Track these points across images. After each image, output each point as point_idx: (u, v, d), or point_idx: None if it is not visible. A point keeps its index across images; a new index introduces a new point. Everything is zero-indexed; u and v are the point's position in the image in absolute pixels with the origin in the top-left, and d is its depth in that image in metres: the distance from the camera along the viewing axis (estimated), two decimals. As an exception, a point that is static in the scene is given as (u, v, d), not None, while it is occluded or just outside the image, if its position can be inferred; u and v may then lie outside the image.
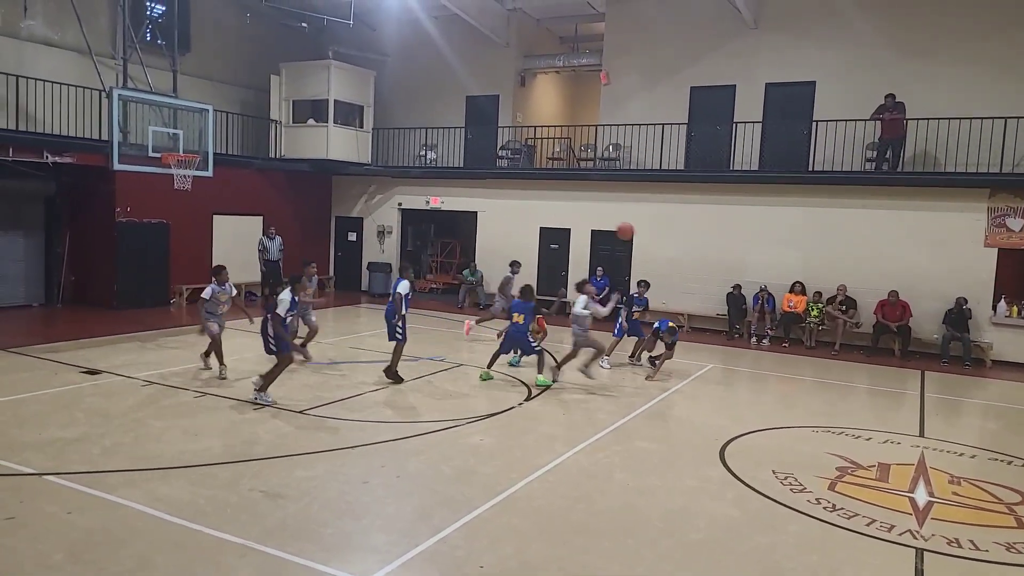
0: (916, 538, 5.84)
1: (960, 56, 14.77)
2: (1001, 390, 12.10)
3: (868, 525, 6.05)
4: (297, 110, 19.52)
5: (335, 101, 19.00)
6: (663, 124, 17.01)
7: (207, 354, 10.16)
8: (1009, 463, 7.94)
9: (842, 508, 6.37)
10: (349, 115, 19.60)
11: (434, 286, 21.28)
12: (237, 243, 18.07)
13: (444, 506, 5.95)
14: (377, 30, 20.19)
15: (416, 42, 19.98)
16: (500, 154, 19.64)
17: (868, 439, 8.59)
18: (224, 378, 9.80)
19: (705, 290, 16.43)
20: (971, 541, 5.80)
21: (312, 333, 11.45)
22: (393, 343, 10.11)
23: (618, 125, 17.79)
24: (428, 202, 20.20)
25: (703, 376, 11.88)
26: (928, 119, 14.48)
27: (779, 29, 16.55)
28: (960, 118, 14.10)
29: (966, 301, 14.09)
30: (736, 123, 16.81)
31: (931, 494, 6.86)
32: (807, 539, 5.81)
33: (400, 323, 9.99)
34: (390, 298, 10.20)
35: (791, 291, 15.47)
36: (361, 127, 19.96)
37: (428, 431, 7.92)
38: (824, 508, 6.36)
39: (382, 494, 6.22)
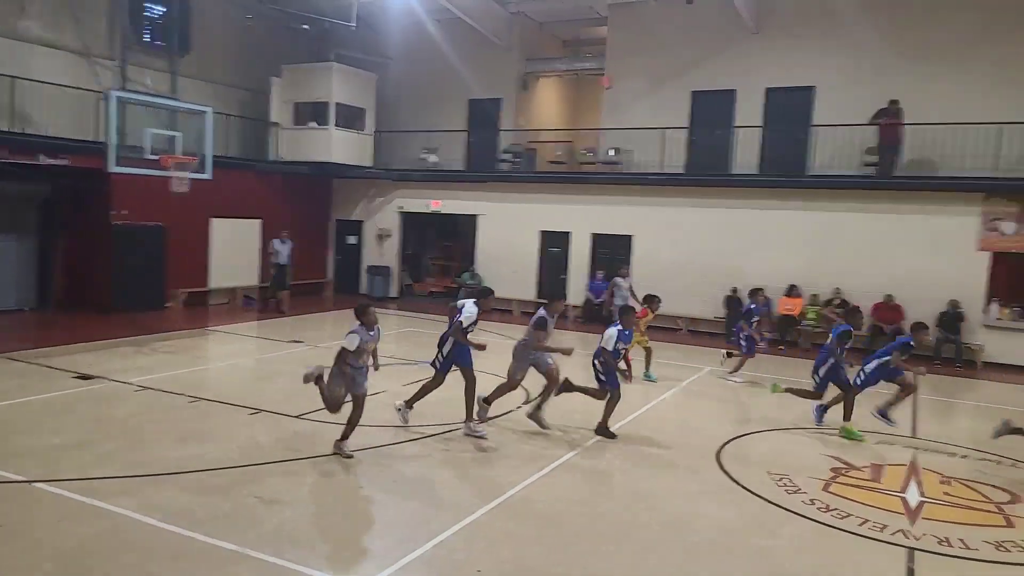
0: (908, 538, 5.94)
1: (956, 63, 14.91)
2: (992, 391, 12.22)
3: (861, 525, 6.15)
4: (298, 112, 19.62)
5: (337, 104, 19.10)
6: (664, 128, 17.13)
7: (344, 437, 7.20)
8: (999, 463, 8.05)
9: (836, 509, 6.47)
10: (351, 118, 19.70)
11: (433, 289, 21.38)
12: (235, 246, 18.16)
13: (442, 510, 6.02)
14: (380, 33, 20.29)
15: (419, 45, 20.07)
16: (502, 157, 19.75)
17: (861, 439, 8.69)
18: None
19: (705, 293, 16.54)
20: (961, 540, 5.90)
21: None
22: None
23: (620, 129, 17.91)
24: (429, 205, 20.29)
25: (700, 379, 11.97)
26: (924, 124, 14.60)
27: (780, 34, 16.68)
28: (955, 123, 14.23)
29: (959, 304, 14.23)
30: (736, 127, 16.94)
31: (923, 494, 6.96)
32: (803, 540, 5.91)
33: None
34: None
35: (787, 294, 15.58)
36: (363, 130, 20.05)
37: (425, 435, 7.99)
38: (819, 509, 6.46)
39: (379, 499, 6.29)
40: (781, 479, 7.13)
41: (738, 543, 5.73)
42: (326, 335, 14.47)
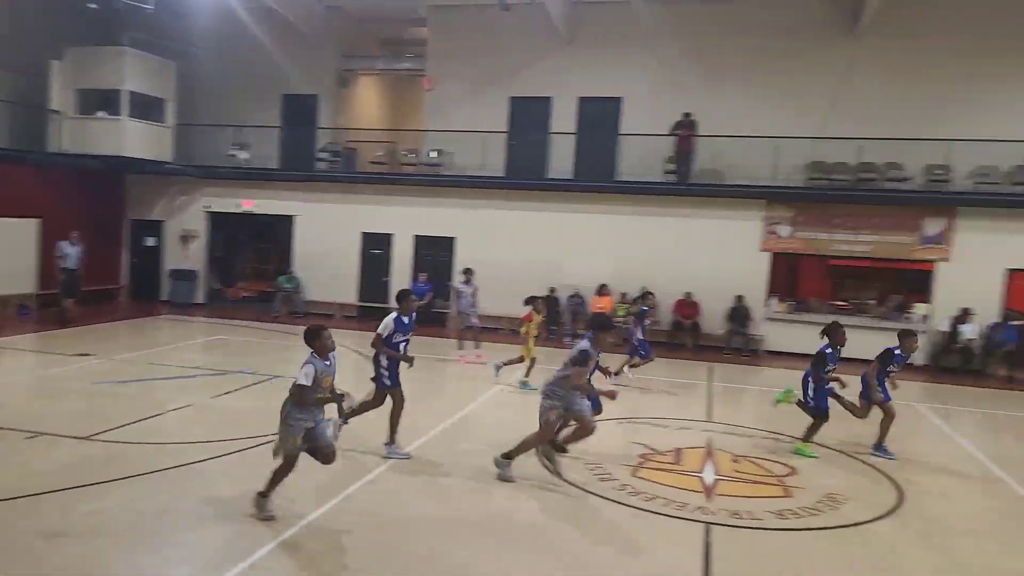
0: (705, 514, 6.49)
1: (742, 82, 16.65)
2: (773, 376, 13.71)
3: (665, 506, 6.64)
4: (84, 100, 17.67)
5: (131, 92, 17.43)
6: (485, 132, 17.45)
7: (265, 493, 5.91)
8: (779, 440, 9.05)
9: (644, 492, 6.92)
10: (147, 108, 18.06)
11: (246, 294, 20.20)
12: (6, 250, 16.00)
13: (254, 530, 5.65)
14: (182, 17, 18.67)
15: (227, 33, 18.82)
16: (319, 156, 19.09)
17: (666, 427, 9.40)
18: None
19: (526, 294, 16.91)
20: (749, 512, 6.55)
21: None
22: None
23: (440, 131, 17.98)
24: (240, 205, 19.14)
25: (518, 378, 12.33)
26: (715, 136, 16.10)
27: (592, 46, 17.63)
28: (741, 136, 15.82)
29: (745, 299, 15.90)
30: (552, 133, 17.66)
31: (717, 473, 7.65)
32: (615, 523, 6.25)
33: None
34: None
35: (598, 293, 16.49)
36: (161, 122, 18.46)
37: (235, 450, 7.50)
38: (629, 493, 6.88)
39: (184, 522, 5.78)
40: (595, 468, 7.51)
41: (558, 532, 5.95)
42: (120, 346, 13.16)
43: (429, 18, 18.68)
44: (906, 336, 8.39)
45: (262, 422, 7.99)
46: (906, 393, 13.07)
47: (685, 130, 16.30)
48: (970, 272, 15.04)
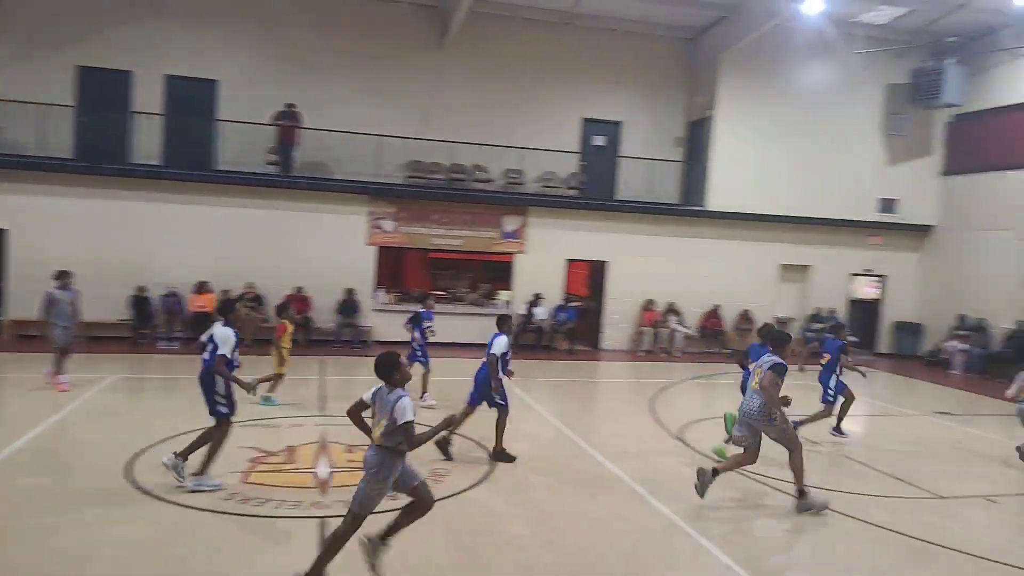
0: (320, 508, 6.41)
1: (347, 76, 16.85)
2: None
3: (278, 508, 6.37)
4: None
5: None
6: (43, 104, 14.63)
7: None
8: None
9: (255, 498, 6.55)
10: None
11: None
12: None
13: None
14: None
15: None
16: None
17: (277, 426, 9.06)
18: None
19: (106, 295, 14.71)
20: (363, 499, 6.66)
21: None
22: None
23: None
24: None
25: (107, 387, 10.71)
26: (319, 130, 16.02)
27: (184, 21, 16.03)
28: (345, 131, 16.02)
29: (355, 292, 16.23)
30: (135, 112, 15.63)
31: (331, 465, 7.63)
32: (222, 537, 5.78)
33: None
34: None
35: (198, 291, 15.18)
36: None
37: None
38: (238, 502, 6.43)
39: None
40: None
41: (154, 558, 5.28)
42: None
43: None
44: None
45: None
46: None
47: (288, 121, 15.92)
48: (540, 263, 17.63)
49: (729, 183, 18.11)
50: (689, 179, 18.86)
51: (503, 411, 8.22)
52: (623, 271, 18.06)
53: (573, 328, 17.36)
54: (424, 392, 10.53)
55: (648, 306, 18.06)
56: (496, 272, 18.51)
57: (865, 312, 19.90)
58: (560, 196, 17.97)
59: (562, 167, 18.13)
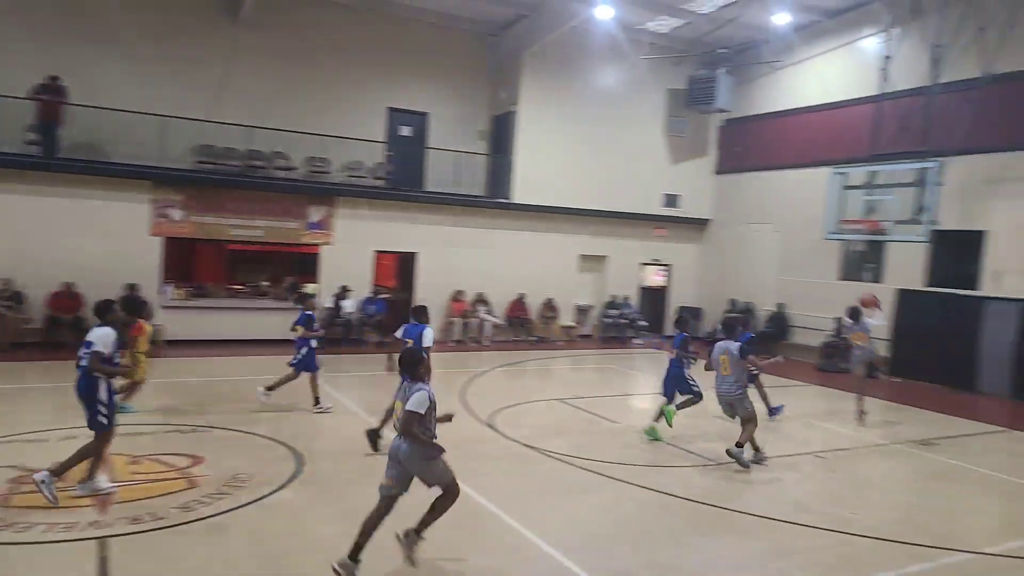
0: (99, 527, 5.74)
1: (125, 51, 15.18)
2: (176, 366, 13.12)
3: (46, 532, 5.62)
4: None
5: None
6: None
7: None
8: (183, 432, 8.67)
9: (17, 523, 5.72)
10: None
11: None
12: None
13: None
14: None
15: None
16: None
17: (46, 440, 8.00)
18: None
19: None
20: (151, 513, 6.07)
21: None
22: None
23: None
24: None
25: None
26: (90, 107, 14.30)
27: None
28: (126, 111, 14.45)
29: (138, 287, 14.69)
30: None
31: (112, 480, 6.86)
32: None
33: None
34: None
35: (-59, 289, 13.00)
36: None
37: None
38: (-5, 529, 5.59)
39: None
40: (-58, 510, 5.87)
41: None
42: None
43: None
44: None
45: None
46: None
47: (50, 95, 14.04)
48: (348, 254, 17.14)
49: (533, 177, 18.79)
50: (495, 172, 19.31)
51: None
52: (432, 262, 18.10)
53: (383, 320, 17.10)
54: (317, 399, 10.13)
55: (457, 297, 18.27)
56: (302, 264, 17.74)
57: (654, 298, 21.63)
58: (367, 186, 17.59)
59: (369, 156, 17.76)
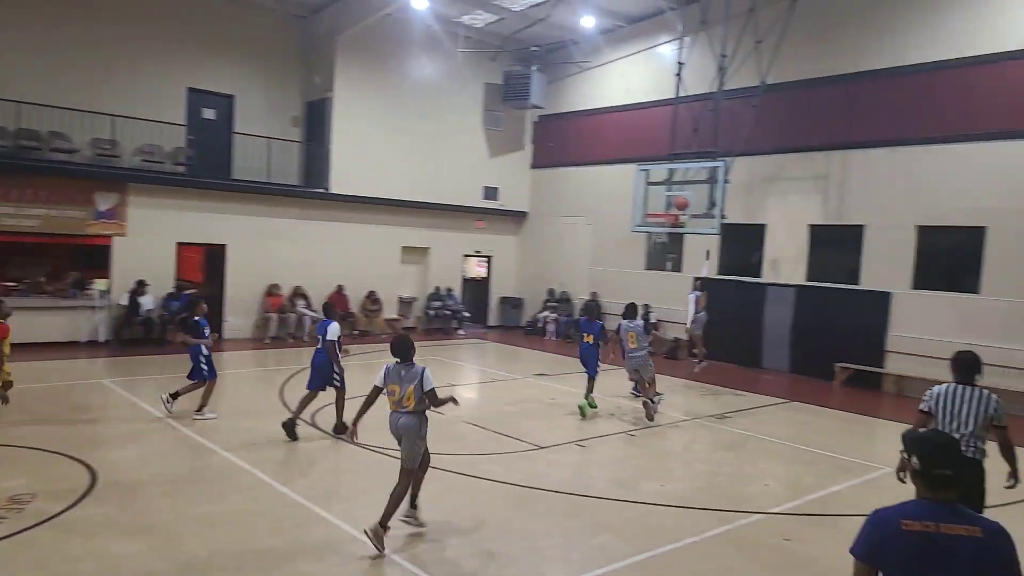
0: None
1: None
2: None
3: None
4: None
5: None
6: None
7: None
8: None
9: None
10: None
11: None
12: None
13: None
14: None
15: None
16: None
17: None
18: None
19: None
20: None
21: None
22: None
23: None
24: None
25: None
26: None
27: None
28: None
29: None
30: None
31: None
32: None
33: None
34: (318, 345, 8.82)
35: None
36: None
37: None
38: None
39: None
40: None
41: None
42: None
43: None
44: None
45: None
46: (92, 370, 12.78)
47: None
48: (145, 246, 15.63)
49: (351, 167, 18.28)
50: (310, 161, 18.55)
51: (342, 391, 8.92)
52: (244, 255, 17.03)
53: (188, 318, 15.82)
54: (203, 405, 9.47)
55: (273, 291, 17.35)
56: (90, 257, 15.91)
57: (476, 289, 21.97)
58: (166, 172, 16.14)
59: (167, 140, 16.30)
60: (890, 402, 13.40)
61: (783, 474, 8.52)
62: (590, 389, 10.89)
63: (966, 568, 2.58)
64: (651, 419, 10.43)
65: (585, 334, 11.10)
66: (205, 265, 17.64)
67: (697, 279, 15.40)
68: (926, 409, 5.37)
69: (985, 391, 5.26)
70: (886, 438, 11.04)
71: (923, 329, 13.68)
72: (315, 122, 18.63)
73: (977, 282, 13.22)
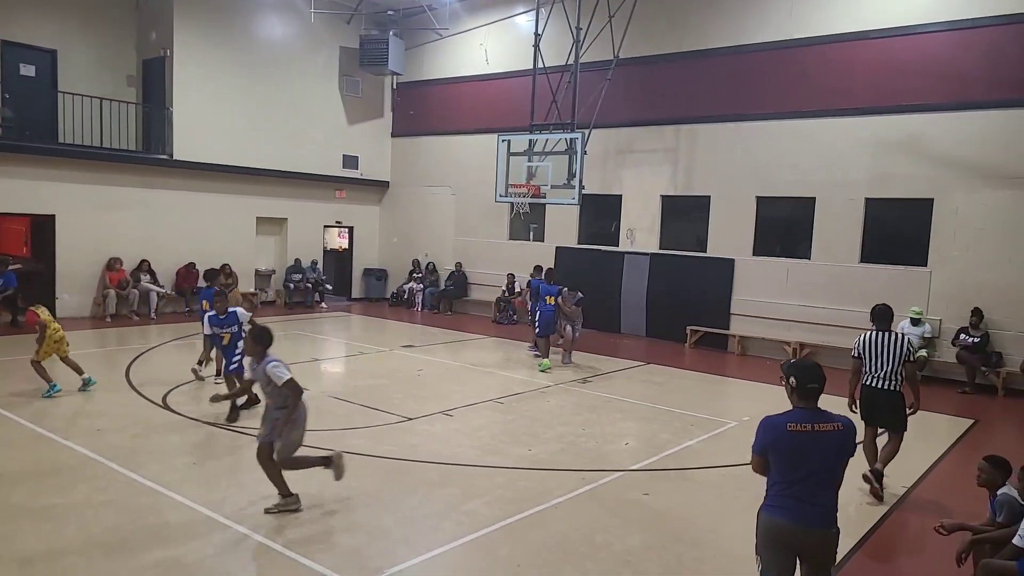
0: None
1: None
2: None
3: None
4: None
5: None
6: None
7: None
8: None
9: None
10: None
11: None
12: None
13: None
14: None
15: None
16: None
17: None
18: None
19: None
20: None
21: None
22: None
23: None
24: None
25: None
26: None
27: None
28: None
29: None
30: None
31: None
32: None
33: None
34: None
35: None
36: None
37: None
38: None
39: None
40: None
41: None
42: None
43: None
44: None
45: None
46: None
47: None
48: (-46, 218, 13.90)
49: (197, 132, 17.08)
50: (150, 124, 17.15)
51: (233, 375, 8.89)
52: (76, 226, 15.54)
53: (14, 295, 14.29)
54: None
55: (113, 265, 15.99)
56: None
57: (338, 261, 21.37)
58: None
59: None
60: (735, 361, 14.50)
61: (642, 433, 9.02)
62: (546, 350, 12.45)
63: (831, 451, 3.72)
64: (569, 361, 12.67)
65: (547, 296, 12.40)
66: (32, 238, 15.96)
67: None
68: (856, 355, 6.78)
69: (900, 334, 6.71)
70: (734, 394, 11.98)
71: (762, 293, 14.87)
72: (153, 83, 17.20)
73: (808, 248, 14.50)
